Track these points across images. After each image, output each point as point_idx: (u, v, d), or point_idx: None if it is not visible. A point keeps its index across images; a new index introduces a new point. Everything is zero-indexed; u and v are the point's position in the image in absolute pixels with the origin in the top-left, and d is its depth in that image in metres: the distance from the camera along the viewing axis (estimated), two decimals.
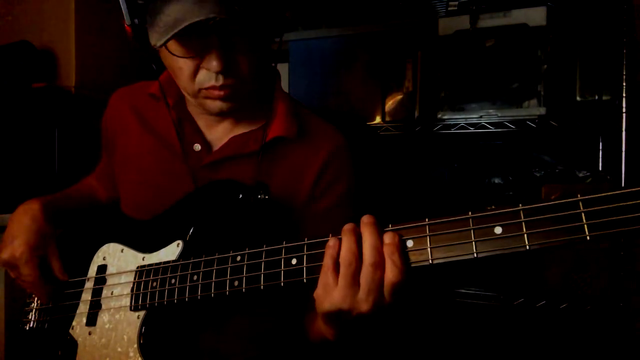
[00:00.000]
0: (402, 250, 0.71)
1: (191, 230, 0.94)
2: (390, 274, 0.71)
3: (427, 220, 0.70)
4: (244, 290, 0.82)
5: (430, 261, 0.70)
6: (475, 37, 1.75)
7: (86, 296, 1.03)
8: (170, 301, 0.90)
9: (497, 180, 1.99)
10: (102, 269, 1.03)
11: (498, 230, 0.65)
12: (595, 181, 1.72)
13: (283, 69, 2.06)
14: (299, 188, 1.05)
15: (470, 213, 0.67)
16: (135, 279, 0.96)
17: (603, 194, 0.59)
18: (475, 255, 0.66)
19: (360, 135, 1.96)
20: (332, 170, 1.06)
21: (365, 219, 0.74)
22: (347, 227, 0.75)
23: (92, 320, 1.00)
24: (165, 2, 0.84)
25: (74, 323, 1.03)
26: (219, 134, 1.08)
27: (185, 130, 1.08)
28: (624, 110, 1.56)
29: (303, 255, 0.78)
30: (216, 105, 0.96)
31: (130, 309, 0.95)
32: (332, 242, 0.75)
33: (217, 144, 1.07)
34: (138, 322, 0.93)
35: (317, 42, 2.04)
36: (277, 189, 0.97)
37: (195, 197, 0.98)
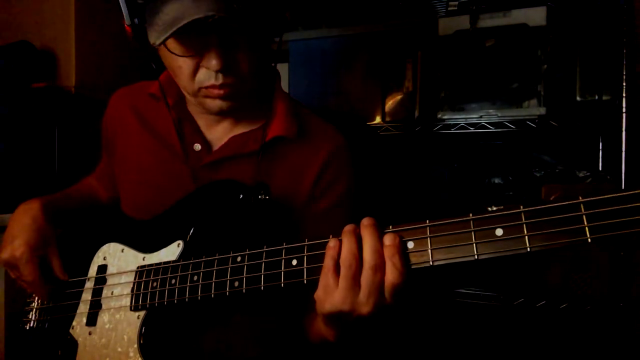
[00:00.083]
0: (403, 252, 0.71)
1: (192, 231, 0.94)
2: (391, 276, 0.71)
3: (427, 221, 0.70)
4: (244, 291, 0.82)
5: (431, 263, 0.70)
6: (475, 37, 1.75)
7: (86, 296, 1.03)
8: (170, 301, 0.90)
9: (497, 180, 1.99)
10: (102, 268, 1.03)
11: (499, 232, 0.65)
12: (595, 181, 1.72)
13: (283, 69, 2.06)
14: (299, 188, 1.05)
15: (471, 215, 0.67)
16: (135, 279, 0.96)
17: (605, 196, 0.59)
18: (476, 257, 0.66)
19: (360, 135, 1.96)
20: (332, 170, 1.06)
21: (366, 221, 0.74)
22: (348, 228, 0.75)
23: (92, 320, 1.00)
24: (164, 1, 0.84)
25: (74, 323, 1.03)
26: (219, 133, 1.08)
27: (185, 130, 1.08)
28: (624, 110, 1.56)
29: (303, 256, 0.78)
30: (216, 104, 0.96)
31: (131, 309, 0.95)
32: (332, 243, 0.75)
33: (217, 144, 1.07)
34: (138, 322, 0.93)
35: (317, 42, 2.03)
36: (277, 189, 0.97)
37: (196, 198, 0.98)
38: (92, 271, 1.04)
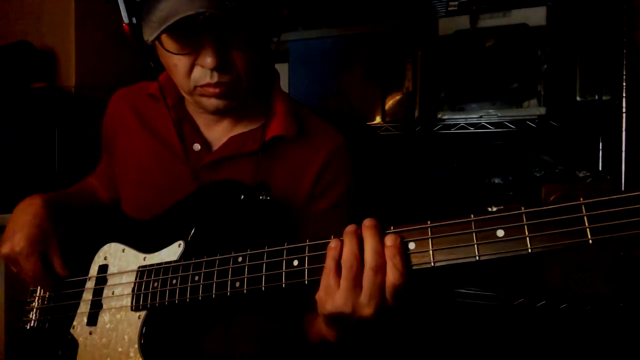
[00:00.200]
0: (404, 253, 0.71)
1: (193, 231, 0.94)
2: (392, 276, 0.71)
3: (429, 222, 0.70)
4: (245, 291, 0.82)
5: (432, 264, 0.70)
6: (475, 37, 1.75)
7: (87, 296, 1.03)
8: (171, 302, 0.90)
9: (497, 180, 1.99)
10: (103, 268, 1.03)
11: (500, 233, 0.65)
12: (595, 181, 1.72)
13: (283, 69, 2.05)
14: (299, 188, 1.05)
15: (472, 216, 0.67)
16: (136, 279, 0.96)
17: (606, 198, 0.59)
18: (477, 258, 0.66)
19: (360, 135, 1.96)
20: (332, 170, 1.06)
21: (367, 222, 0.74)
22: (349, 228, 0.75)
23: (92, 320, 1.00)
24: None
25: (74, 323, 1.03)
26: (219, 133, 1.08)
27: (185, 130, 1.08)
28: (624, 110, 1.56)
29: (305, 256, 0.78)
30: (211, 102, 0.96)
31: (131, 309, 0.95)
32: (334, 243, 0.75)
33: (216, 144, 1.07)
34: (139, 322, 0.93)
35: (317, 42, 2.03)
36: (277, 189, 0.97)
37: (197, 198, 0.98)
38: (93, 271, 1.04)
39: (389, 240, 0.71)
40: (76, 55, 1.90)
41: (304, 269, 0.77)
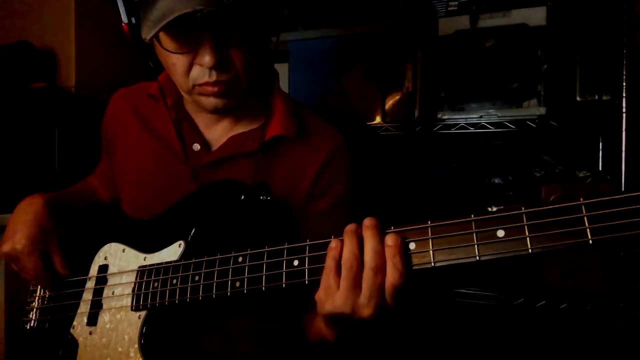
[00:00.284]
0: (404, 253, 0.71)
1: (193, 231, 0.94)
2: (392, 277, 0.70)
3: (429, 222, 0.70)
4: (245, 291, 0.82)
5: (433, 264, 0.69)
6: (475, 37, 1.75)
7: (87, 296, 1.03)
8: (171, 302, 0.90)
9: (497, 180, 1.99)
10: (103, 268, 1.03)
11: (500, 233, 0.65)
12: (595, 181, 1.72)
13: (283, 69, 2.06)
14: (298, 188, 1.05)
15: (472, 216, 0.67)
16: (136, 279, 0.96)
17: (606, 198, 0.59)
18: (477, 258, 0.66)
19: (360, 135, 1.96)
20: (331, 170, 1.06)
21: (367, 222, 0.73)
22: (349, 228, 0.74)
23: (93, 320, 1.00)
24: None
25: (74, 322, 1.03)
26: (218, 133, 1.08)
27: (184, 130, 1.08)
28: (624, 110, 1.56)
29: (305, 257, 0.78)
30: (210, 102, 0.96)
31: (132, 309, 0.95)
32: (334, 243, 0.75)
33: (216, 144, 1.07)
34: (139, 322, 0.93)
35: (317, 42, 2.03)
36: (277, 189, 0.97)
37: (197, 198, 0.98)
38: (93, 271, 1.05)
39: (390, 240, 0.71)
40: (76, 55, 1.90)
41: (304, 269, 0.77)
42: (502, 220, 0.66)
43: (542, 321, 1.78)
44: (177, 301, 0.89)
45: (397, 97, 1.94)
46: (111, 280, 1.01)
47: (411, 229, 0.72)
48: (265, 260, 0.81)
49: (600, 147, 1.83)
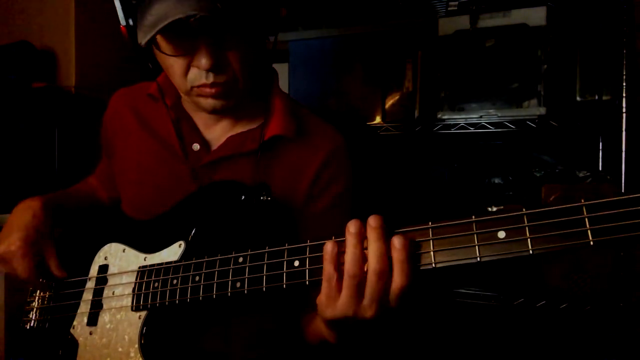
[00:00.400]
0: (412, 257, 0.69)
1: (193, 231, 0.94)
2: (399, 280, 0.69)
3: (430, 223, 0.70)
4: (246, 291, 0.82)
5: (434, 265, 0.69)
6: (475, 37, 1.75)
7: (87, 296, 1.03)
8: (171, 302, 0.90)
9: (497, 180, 1.99)
10: (103, 268, 1.03)
11: (501, 234, 0.65)
12: (595, 181, 1.72)
13: (283, 69, 2.05)
14: (298, 188, 1.05)
15: (473, 217, 0.67)
16: (136, 279, 0.96)
17: (607, 199, 0.59)
18: (478, 259, 0.66)
19: (360, 135, 1.96)
20: (330, 170, 1.06)
21: (372, 222, 0.70)
22: (352, 228, 0.71)
23: (93, 320, 1.00)
24: (153, 1, 0.85)
25: (74, 323, 1.03)
26: (217, 133, 1.08)
27: (184, 130, 1.08)
28: (624, 110, 1.56)
29: (306, 257, 0.77)
30: (208, 103, 0.96)
31: (132, 309, 0.95)
32: (329, 246, 0.72)
33: (215, 144, 1.07)
34: (139, 323, 0.93)
35: (317, 42, 2.03)
36: (276, 189, 0.97)
37: (197, 198, 0.98)
38: (93, 271, 1.04)
39: (398, 243, 0.68)
40: (76, 55, 1.90)
41: (305, 269, 0.77)
42: (502, 221, 0.65)
43: (542, 321, 1.78)
44: (177, 301, 0.89)
45: (397, 97, 1.94)
46: (111, 281, 1.01)
47: (411, 230, 0.71)
48: (265, 261, 0.81)
49: (600, 147, 1.83)
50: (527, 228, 0.64)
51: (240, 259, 0.84)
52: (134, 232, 1.04)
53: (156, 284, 0.93)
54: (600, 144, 1.83)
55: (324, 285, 0.74)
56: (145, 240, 1.00)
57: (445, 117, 1.81)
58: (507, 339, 1.86)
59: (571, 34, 1.71)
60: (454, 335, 1.93)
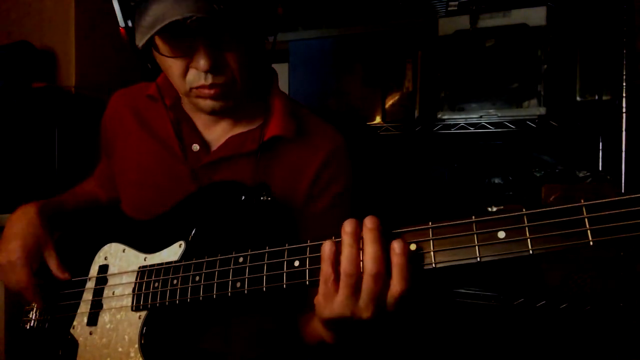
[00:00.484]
0: (410, 260, 0.69)
1: (193, 231, 0.94)
2: (397, 285, 0.69)
3: (430, 223, 0.70)
4: (246, 291, 0.82)
5: (434, 265, 0.69)
6: (475, 37, 1.75)
7: (87, 296, 1.03)
8: (172, 302, 0.90)
9: (497, 180, 1.99)
10: (103, 268, 1.03)
11: (501, 234, 0.65)
12: (595, 181, 1.72)
13: (283, 69, 2.05)
14: (298, 188, 1.05)
15: (473, 217, 0.67)
16: (136, 279, 0.96)
17: (607, 200, 0.59)
18: (478, 259, 0.66)
19: (360, 135, 1.96)
20: (330, 170, 1.06)
21: (368, 223, 0.70)
22: (348, 228, 0.71)
23: (93, 320, 1.00)
24: (150, 3, 0.85)
25: (74, 323, 1.03)
26: (217, 134, 1.08)
27: (184, 131, 1.08)
28: (624, 110, 1.56)
29: (306, 257, 0.77)
30: (207, 104, 0.96)
31: (132, 309, 0.95)
32: (327, 247, 0.72)
33: (215, 144, 1.07)
34: (139, 323, 0.93)
35: (317, 42, 2.03)
36: (276, 189, 0.97)
37: (198, 198, 0.98)
38: (93, 271, 1.04)
39: (398, 247, 0.68)
40: (76, 55, 1.90)
41: (305, 269, 0.77)
42: (503, 221, 0.65)
43: (542, 321, 1.78)
44: (177, 301, 0.89)
45: (397, 97, 1.94)
46: (111, 281, 1.01)
47: (411, 230, 0.71)
48: (266, 261, 0.81)
49: (600, 147, 1.83)
50: (527, 228, 0.64)
51: (241, 259, 0.84)
52: (134, 232, 1.04)
53: (156, 284, 0.93)
54: (600, 144, 1.83)
55: (322, 285, 0.74)
56: (145, 240, 1.00)
57: (445, 117, 1.81)
58: (507, 339, 1.86)
59: (571, 34, 1.71)
60: (454, 336, 1.93)
